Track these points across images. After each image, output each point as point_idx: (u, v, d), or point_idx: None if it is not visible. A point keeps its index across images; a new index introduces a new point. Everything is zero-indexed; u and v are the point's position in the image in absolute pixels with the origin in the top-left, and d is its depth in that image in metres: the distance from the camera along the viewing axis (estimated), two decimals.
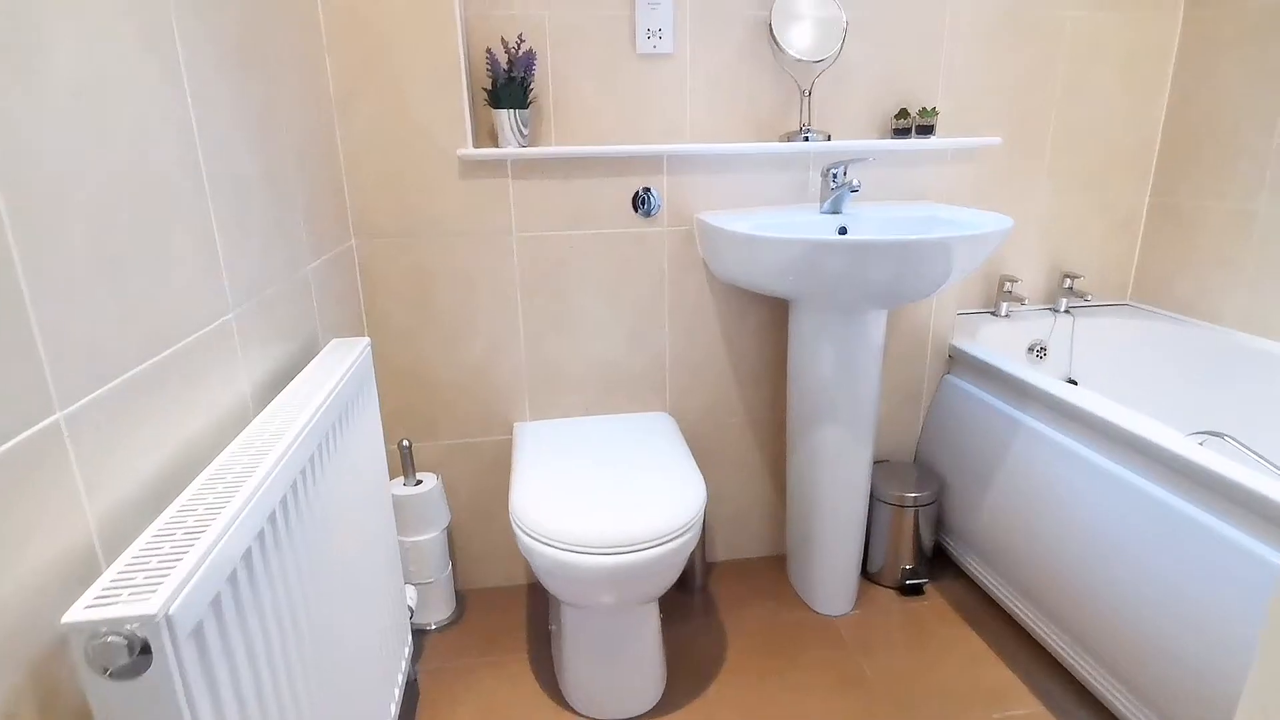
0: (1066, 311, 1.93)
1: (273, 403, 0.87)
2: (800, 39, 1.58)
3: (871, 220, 1.50)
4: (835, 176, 1.48)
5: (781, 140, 1.60)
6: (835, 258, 1.22)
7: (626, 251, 1.56)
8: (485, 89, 1.49)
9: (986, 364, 1.61)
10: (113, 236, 0.62)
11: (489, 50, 1.46)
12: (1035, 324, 1.91)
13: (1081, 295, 1.91)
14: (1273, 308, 1.63)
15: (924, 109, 1.69)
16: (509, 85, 1.45)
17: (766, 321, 1.67)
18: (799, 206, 1.58)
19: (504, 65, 1.47)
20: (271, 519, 0.70)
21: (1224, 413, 1.65)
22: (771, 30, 1.57)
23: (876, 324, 1.43)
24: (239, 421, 0.86)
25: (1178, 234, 1.85)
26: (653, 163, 1.51)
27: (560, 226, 1.53)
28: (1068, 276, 1.92)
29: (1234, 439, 1.17)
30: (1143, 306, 1.97)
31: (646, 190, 1.52)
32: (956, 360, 1.73)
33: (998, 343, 1.87)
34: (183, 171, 0.76)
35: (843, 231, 1.49)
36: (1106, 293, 2.00)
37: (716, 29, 1.60)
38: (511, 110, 1.46)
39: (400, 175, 1.43)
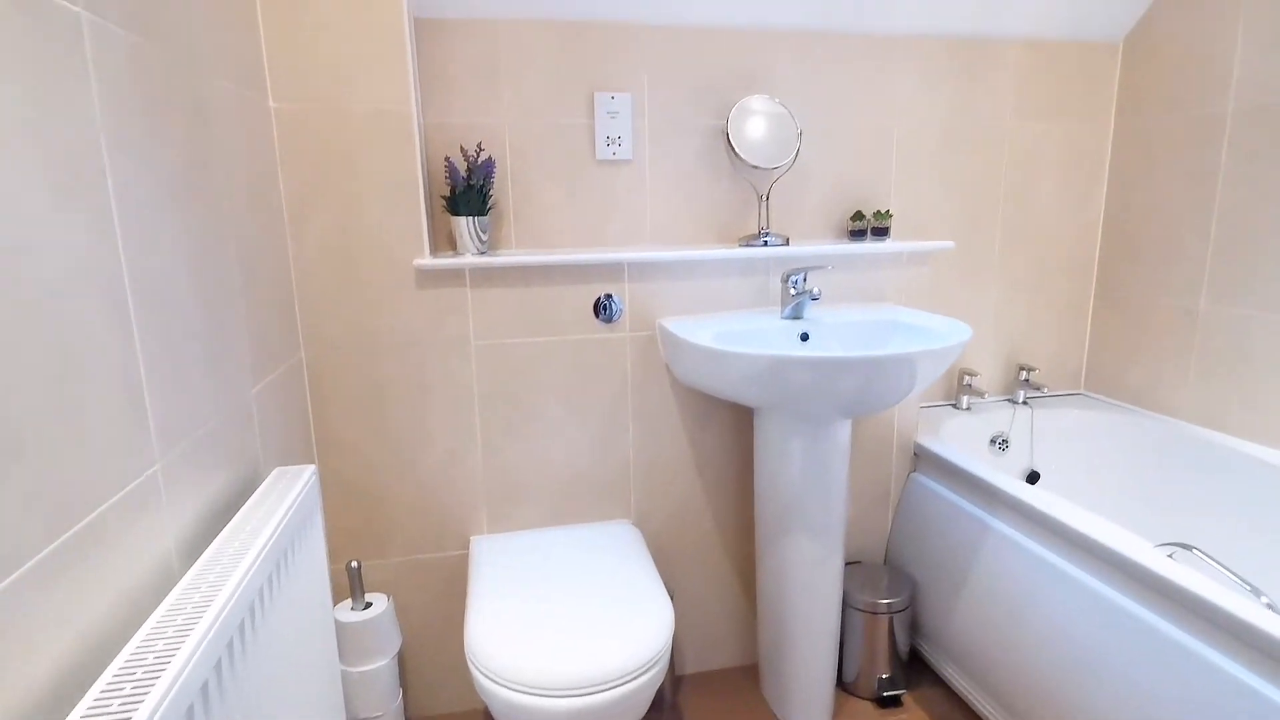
0: (1024, 402, 1.95)
1: (201, 558, 0.79)
2: (757, 147, 1.61)
3: (833, 326, 1.51)
4: (795, 283, 1.49)
5: (741, 243, 1.62)
6: (801, 372, 1.21)
7: (588, 358, 1.54)
8: (444, 196, 1.48)
9: (951, 464, 1.60)
10: (12, 410, 0.56)
11: (448, 159, 1.46)
12: (996, 416, 1.93)
13: (1037, 386, 1.93)
14: (1219, 402, 1.67)
15: (878, 211, 1.73)
16: (467, 193, 1.44)
17: (732, 425, 1.64)
18: (760, 311, 1.58)
19: (463, 173, 1.47)
20: (190, 714, 0.62)
21: (1180, 504, 1.66)
22: (729, 139, 1.60)
23: (843, 430, 1.41)
24: (162, 586, 0.78)
25: (1126, 328, 1.91)
26: (614, 270, 1.50)
27: (520, 334, 1.49)
28: (1023, 369, 1.95)
29: (1201, 551, 1.16)
30: (1096, 397, 2.00)
31: (608, 297, 1.51)
32: (922, 458, 1.73)
33: (961, 436, 1.88)
34: (107, 322, 0.70)
35: (805, 338, 1.49)
36: (1061, 383, 2.04)
37: (675, 137, 1.63)
38: (470, 217, 1.44)
39: (354, 286, 1.39)
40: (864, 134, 1.76)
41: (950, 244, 1.63)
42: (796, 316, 1.51)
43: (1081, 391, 2.05)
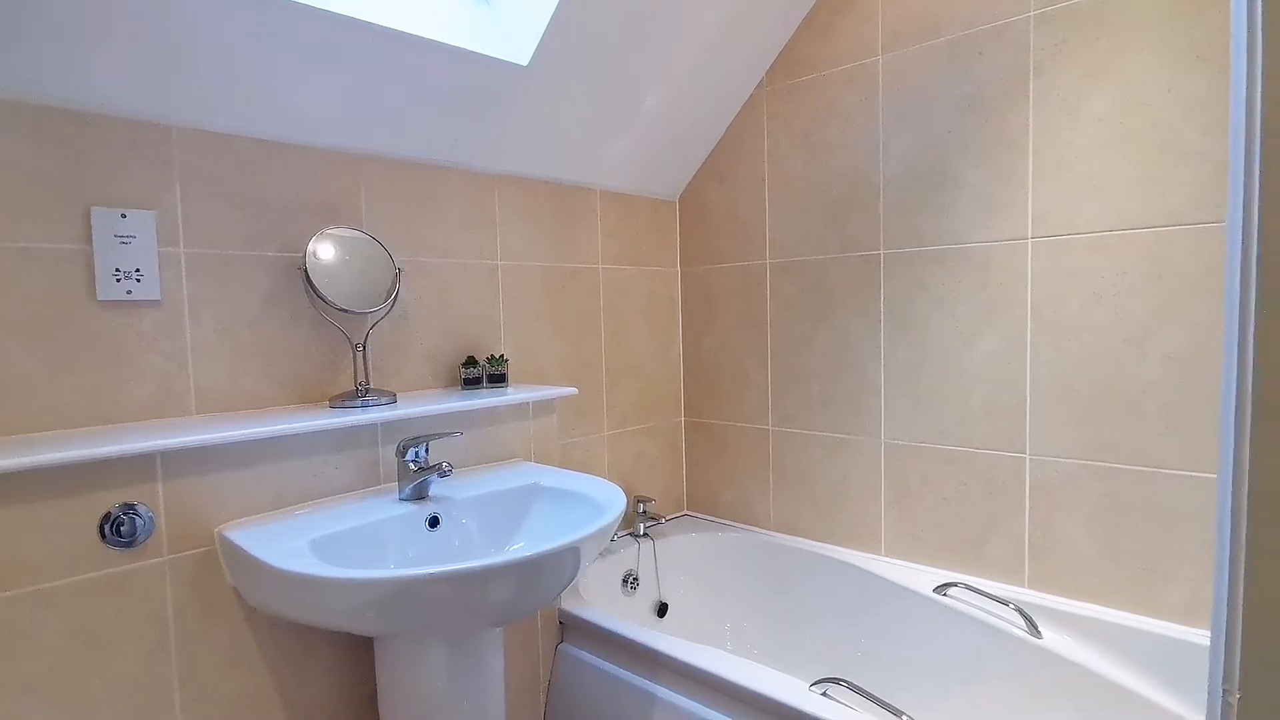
0: (645, 535, 1.96)
1: None
2: (346, 286, 1.31)
3: (468, 502, 1.25)
4: (416, 456, 1.20)
5: (334, 404, 1.27)
6: (440, 589, 0.92)
7: (94, 610, 0.97)
8: None
9: (598, 628, 1.47)
10: None
11: None
12: (624, 554, 1.89)
13: (655, 517, 1.96)
14: (793, 511, 1.91)
15: (492, 356, 1.57)
16: None
17: (345, 655, 1.23)
18: (371, 493, 1.24)
19: None
20: None
21: (787, 609, 1.82)
22: (307, 276, 1.27)
23: (493, 642, 1.15)
24: None
25: (714, 451, 2.09)
26: (137, 466, 1.00)
27: None
28: (640, 501, 1.97)
29: (848, 682, 1.21)
30: (700, 516, 2.13)
31: (127, 508, 0.99)
32: (569, 626, 1.55)
33: (597, 584, 1.77)
34: None
35: (434, 522, 1.20)
36: (669, 509, 2.12)
37: (231, 272, 1.23)
38: None
39: None
40: (471, 273, 1.60)
41: (573, 390, 1.55)
42: (420, 496, 1.22)
43: (686, 513, 2.17)
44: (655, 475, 2.07)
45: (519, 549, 1.13)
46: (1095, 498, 1.42)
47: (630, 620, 1.47)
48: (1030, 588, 1.51)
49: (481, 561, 0.92)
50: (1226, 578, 0.38)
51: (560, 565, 1.01)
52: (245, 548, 0.99)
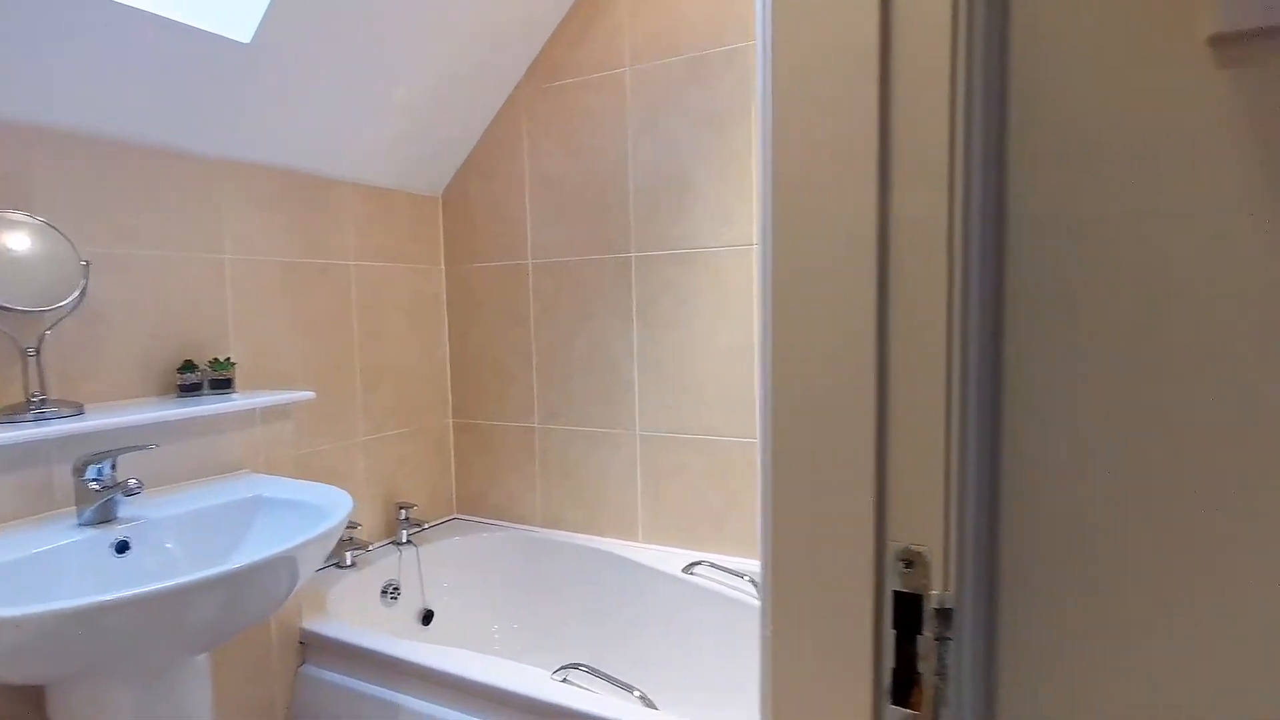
0: (409, 542, 1.89)
1: None
2: (13, 282, 1.12)
3: (168, 522, 1.12)
4: (99, 474, 1.05)
5: None
6: (117, 618, 0.82)
7: None
8: None
9: (344, 643, 1.39)
10: None
11: None
12: (384, 563, 1.81)
13: (418, 523, 1.91)
14: (558, 506, 1.95)
15: (216, 360, 1.43)
16: None
17: (6, 713, 1.04)
18: (46, 519, 1.07)
19: None
20: None
21: (557, 606, 1.86)
22: None
23: (196, 673, 1.04)
24: None
25: (482, 450, 2.07)
26: None
27: None
28: (402, 507, 1.90)
29: (587, 666, 1.26)
30: (467, 518, 2.11)
31: None
32: (312, 645, 1.45)
33: (352, 598, 1.68)
34: None
35: (123, 548, 1.06)
36: (437, 512, 2.07)
37: None
38: None
39: None
40: (191, 267, 1.44)
41: (310, 394, 1.45)
42: (106, 519, 1.07)
43: (456, 516, 2.13)
44: (421, 479, 2.01)
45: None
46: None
47: (389, 632, 1.42)
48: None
49: (166, 583, 0.83)
50: (767, 533, 0.45)
51: (271, 579, 0.95)
52: None
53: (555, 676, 1.23)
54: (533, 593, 1.90)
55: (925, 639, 0.41)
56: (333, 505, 1.14)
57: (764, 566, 0.45)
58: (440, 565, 1.92)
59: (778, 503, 0.44)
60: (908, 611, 0.42)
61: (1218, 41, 0.37)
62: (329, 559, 1.76)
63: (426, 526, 2.01)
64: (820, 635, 0.44)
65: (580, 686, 1.20)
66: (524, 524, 2.01)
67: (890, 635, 0.42)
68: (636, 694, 1.26)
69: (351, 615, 1.62)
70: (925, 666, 0.41)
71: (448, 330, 2.09)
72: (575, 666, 1.25)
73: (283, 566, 0.96)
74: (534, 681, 1.20)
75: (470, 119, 1.91)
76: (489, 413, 2.04)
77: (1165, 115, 0.38)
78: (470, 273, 2.03)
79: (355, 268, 1.80)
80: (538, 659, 1.69)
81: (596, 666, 1.32)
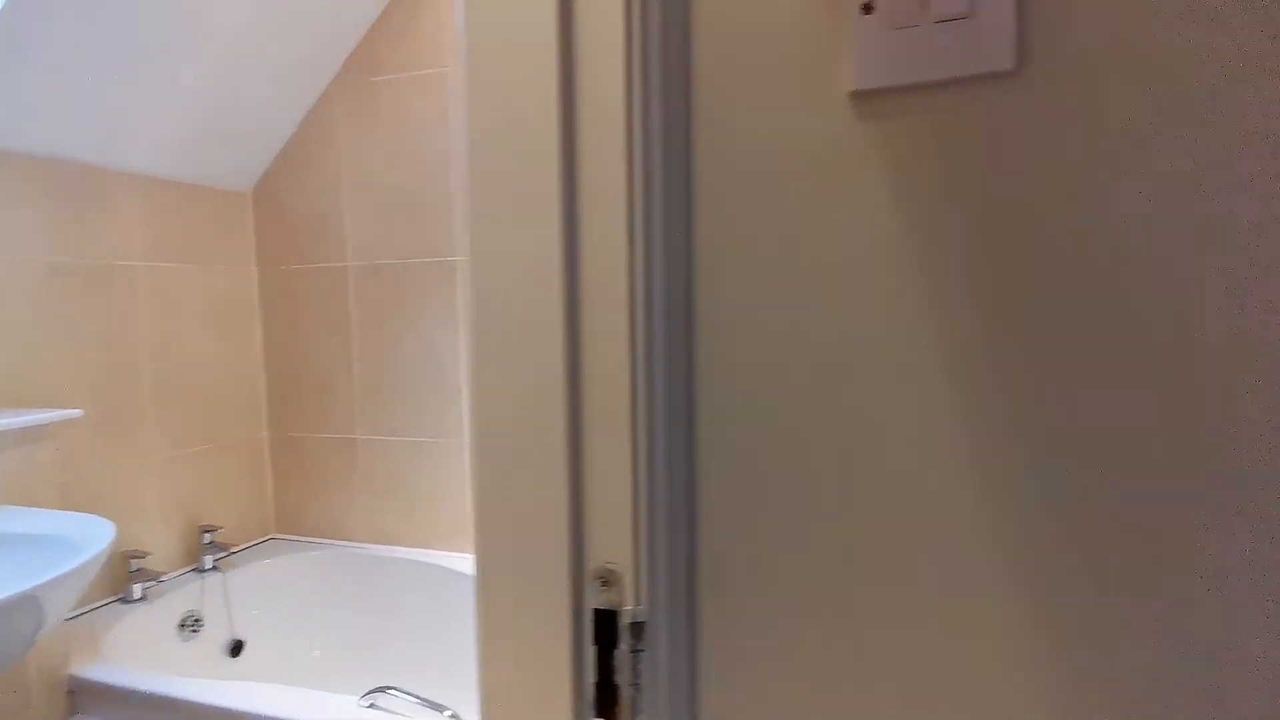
0: (214, 568, 1.74)
1: None
2: None
3: None
4: None
5: None
6: None
7: None
8: None
9: (115, 688, 1.26)
10: None
11: None
12: (182, 594, 1.65)
13: (226, 547, 1.76)
14: (383, 519, 1.87)
15: None
16: None
17: None
18: None
19: None
20: None
21: (374, 618, 1.78)
22: None
23: None
24: None
25: (301, 464, 1.94)
26: None
27: None
28: (206, 531, 1.74)
29: (398, 689, 1.22)
30: (286, 538, 1.97)
31: None
32: (82, 694, 1.30)
33: (139, 637, 1.52)
34: None
35: None
36: (253, 533, 1.92)
37: None
38: None
39: None
40: None
41: (77, 412, 1.30)
42: None
43: (273, 536, 1.98)
44: (231, 499, 1.86)
45: None
46: None
47: (187, 670, 1.29)
48: None
49: None
50: (477, 559, 0.45)
51: (5, 624, 0.83)
52: None
53: (362, 702, 1.17)
54: (356, 612, 1.81)
55: (621, 652, 0.43)
56: (89, 537, 1.02)
57: (476, 589, 0.45)
58: (252, 590, 1.78)
59: (482, 528, 0.45)
60: (607, 627, 0.43)
61: (857, 96, 0.41)
62: (113, 595, 1.58)
63: (237, 550, 1.86)
64: (524, 653, 0.44)
65: (389, 711, 1.15)
66: (349, 540, 1.91)
67: (591, 650, 0.44)
68: (448, 713, 1.23)
69: (138, 655, 1.47)
70: (621, 678, 0.43)
71: (262, 337, 1.94)
72: (385, 690, 1.20)
73: (24, 610, 0.85)
74: (338, 709, 1.14)
75: (281, 111, 1.79)
76: (308, 425, 1.92)
77: (820, 159, 0.42)
78: (286, 275, 1.90)
79: (143, 269, 1.63)
80: (358, 682, 1.61)
81: (420, 685, 1.28)
